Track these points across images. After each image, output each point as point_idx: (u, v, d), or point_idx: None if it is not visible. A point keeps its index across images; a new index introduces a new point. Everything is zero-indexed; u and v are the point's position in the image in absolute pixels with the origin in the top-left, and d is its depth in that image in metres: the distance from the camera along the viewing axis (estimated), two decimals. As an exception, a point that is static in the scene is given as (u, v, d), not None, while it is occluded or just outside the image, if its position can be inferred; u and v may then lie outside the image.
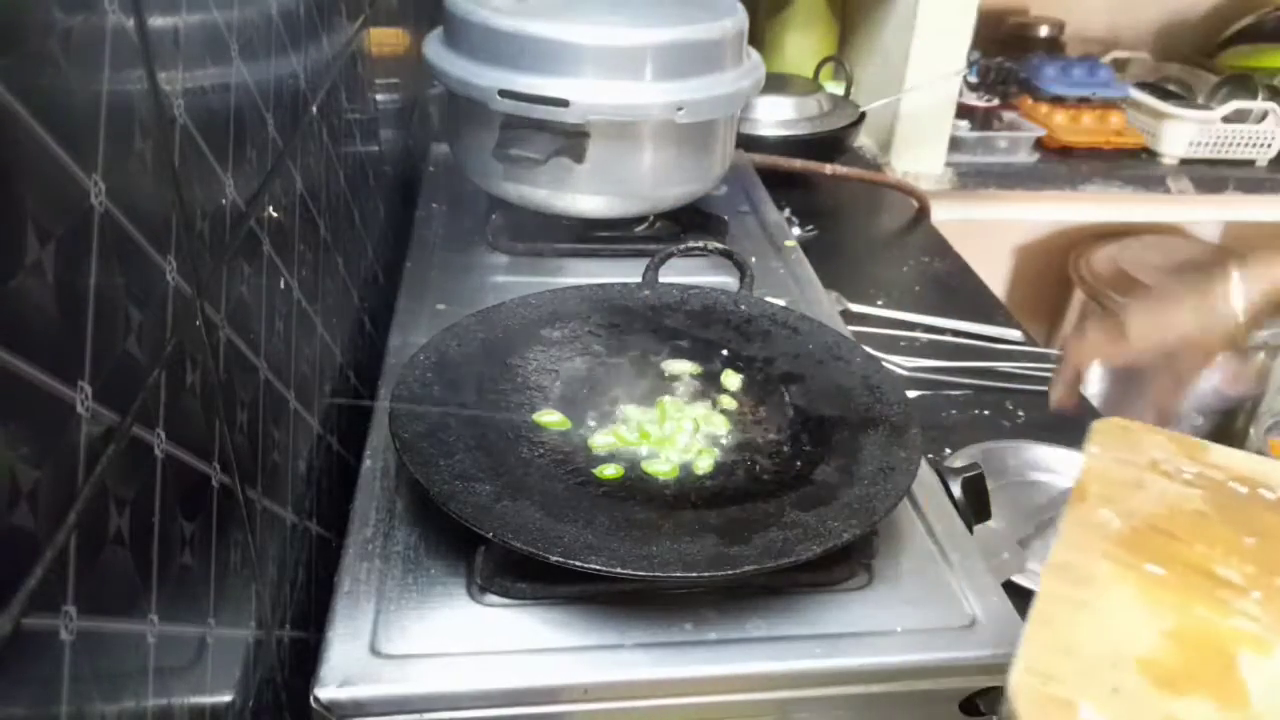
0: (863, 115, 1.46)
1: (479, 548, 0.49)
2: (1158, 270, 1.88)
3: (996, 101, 1.72)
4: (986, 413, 0.94)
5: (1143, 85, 1.77)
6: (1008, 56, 1.77)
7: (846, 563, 0.50)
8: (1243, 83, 1.72)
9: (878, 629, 0.48)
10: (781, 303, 0.72)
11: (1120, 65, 1.91)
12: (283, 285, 0.52)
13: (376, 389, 0.63)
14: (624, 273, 0.75)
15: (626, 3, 0.81)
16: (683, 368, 0.64)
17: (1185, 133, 1.68)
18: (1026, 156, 1.68)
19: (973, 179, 1.64)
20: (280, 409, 0.51)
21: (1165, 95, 1.72)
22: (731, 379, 0.63)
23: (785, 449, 0.57)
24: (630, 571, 0.44)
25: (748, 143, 1.28)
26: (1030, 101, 1.74)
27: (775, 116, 1.39)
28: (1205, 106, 1.70)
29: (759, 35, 1.69)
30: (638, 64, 0.76)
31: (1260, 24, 1.87)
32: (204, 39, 0.41)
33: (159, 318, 0.35)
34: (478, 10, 0.77)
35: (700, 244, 0.75)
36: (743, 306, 0.69)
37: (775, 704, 0.46)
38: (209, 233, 0.40)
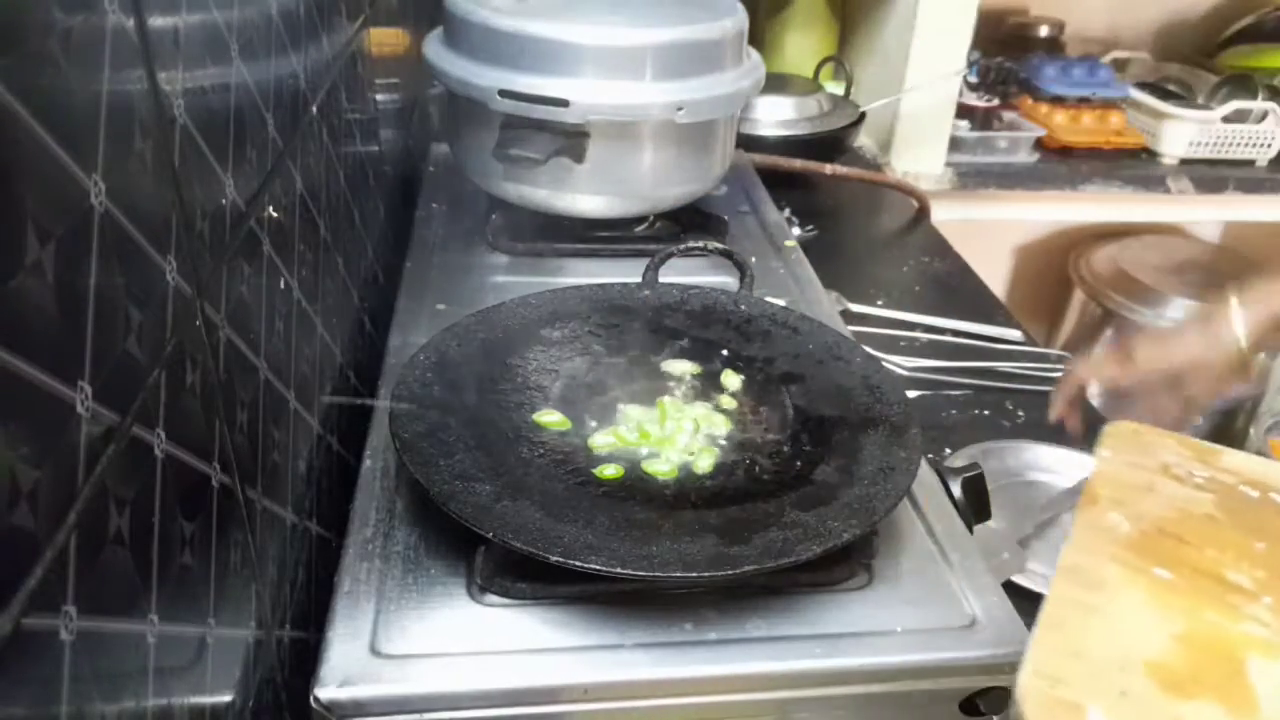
0: (863, 115, 1.46)
1: (479, 548, 0.49)
2: (1158, 270, 1.88)
3: (996, 101, 1.72)
4: (986, 413, 0.94)
5: (1143, 85, 1.77)
6: (1008, 56, 1.77)
7: (846, 563, 0.50)
8: (1243, 83, 1.72)
9: (878, 629, 0.48)
10: (781, 303, 0.72)
11: (1120, 65, 1.91)
12: (283, 285, 0.52)
13: (376, 389, 0.63)
14: (624, 273, 0.75)
15: (626, 3, 0.81)
16: (683, 368, 0.64)
17: (1185, 133, 1.68)
18: (1026, 156, 1.68)
19: (973, 179, 1.64)
20: (280, 409, 0.51)
21: (1165, 95, 1.72)
22: (731, 379, 0.63)
23: (785, 449, 0.57)
24: (630, 571, 0.44)
25: (748, 143, 1.28)
26: (1030, 101, 1.74)
27: (775, 116, 1.39)
28: (1205, 106, 1.70)
29: (759, 35, 1.69)
30: (638, 64, 0.76)
31: (1260, 24, 1.87)
32: (204, 39, 0.41)
33: (159, 318, 0.35)
34: (478, 10, 0.77)
35: (700, 244, 0.75)
36: (743, 306, 0.69)
37: (775, 704, 0.46)
38: (209, 233, 0.40)
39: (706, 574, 0.45)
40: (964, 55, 1.51)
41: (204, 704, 0.38)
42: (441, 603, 0.48)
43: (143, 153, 0.34)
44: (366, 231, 0.77)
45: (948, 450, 0.86)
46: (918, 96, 1.53)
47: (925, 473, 0.59)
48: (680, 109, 0.76)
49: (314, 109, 0.59)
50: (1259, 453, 1.03)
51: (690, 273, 0.78)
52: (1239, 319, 0.72)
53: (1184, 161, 1.70)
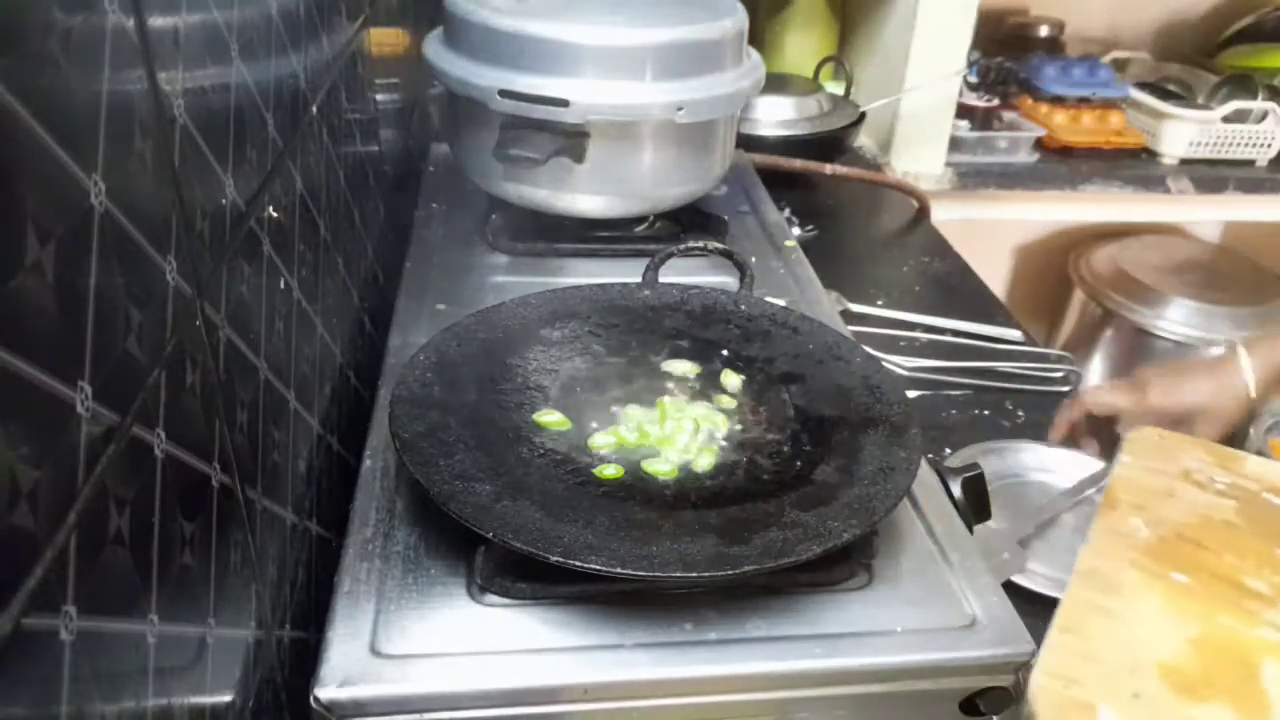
0: (863, 115, 1.46)
1: (479, 548, 0.49)
2: (1158, 270, 1.88)
3: (996, 101, 1.72)
4: (986, 413, 0.94)
5: (1143, 85, 1.77)
6: (1008, 56, 1.77)
7: (846, 563, 0.50)
8: (1243, 83, 1.72)
9: (878, 629, 0.48)
10: (781, 303, 0.72)
11: (1120, 65, 1.91)
12: (283, 285, 0.52)
13: (376, 389, 0.63)
14: (624, 273, 0.75)
15: (626, 3, 0.81)
16: (683, 368, 0.64)
17: (1185, 133, 1.68)
18: (1026, 156, 1.68)
19: (973, 179, 1.64)
20: (280, 409, 0.51)
21: (1165, 95, 1.72)
22: (731, 379, 0.63)
23: (785, 449, 0.57)
24: (630, 571, 0.44)
25: (748, 143, 1.28)
26: (1030, 101, 1.74)
27: (775, 116, 1.39)
28: (1205, 106, 1.70)
29: (759, 35, 1.69)
30: (638, 64, 0.76)
31: (1260, 24, 1.87)
32: (204, 39, 0.41)
33: (159, 318, 0.35)
34: (478, 10, 0.77)
35: (700, 244, 0.75)
36: (743, 306, 0.69)
37: (775, 704, 0.46)
38: (209, 233, 0.40)
39: (706, 574, 0.45)
40: (964, 55, 1.51)
41: (204, 704, 0.38)
42: (441, 603, 0.48)
43: (143, 153, 0.34)
44: (366, 231, 0.77)
45: (948, 450, 0.86)
46: (918, 96, 1.53)
47: (925, 473, 0.59)
48: (680, 109, 0.76)
49: (314, 109, 0.59)
50: (1259, 453, 1.03)
51: (690, 273, 0.78)
52: (1248, 368, 0.75)
53: (1184, 161, 1.70)
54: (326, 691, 0.42)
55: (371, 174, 0.79)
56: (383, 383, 0.63)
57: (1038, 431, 0.91)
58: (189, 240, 0.38)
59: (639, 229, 0.89)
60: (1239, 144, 1.69)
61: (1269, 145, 1.69)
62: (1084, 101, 1.71)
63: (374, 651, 0.45)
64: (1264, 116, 1.68)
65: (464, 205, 0.90)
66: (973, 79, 1.69)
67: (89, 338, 0.29)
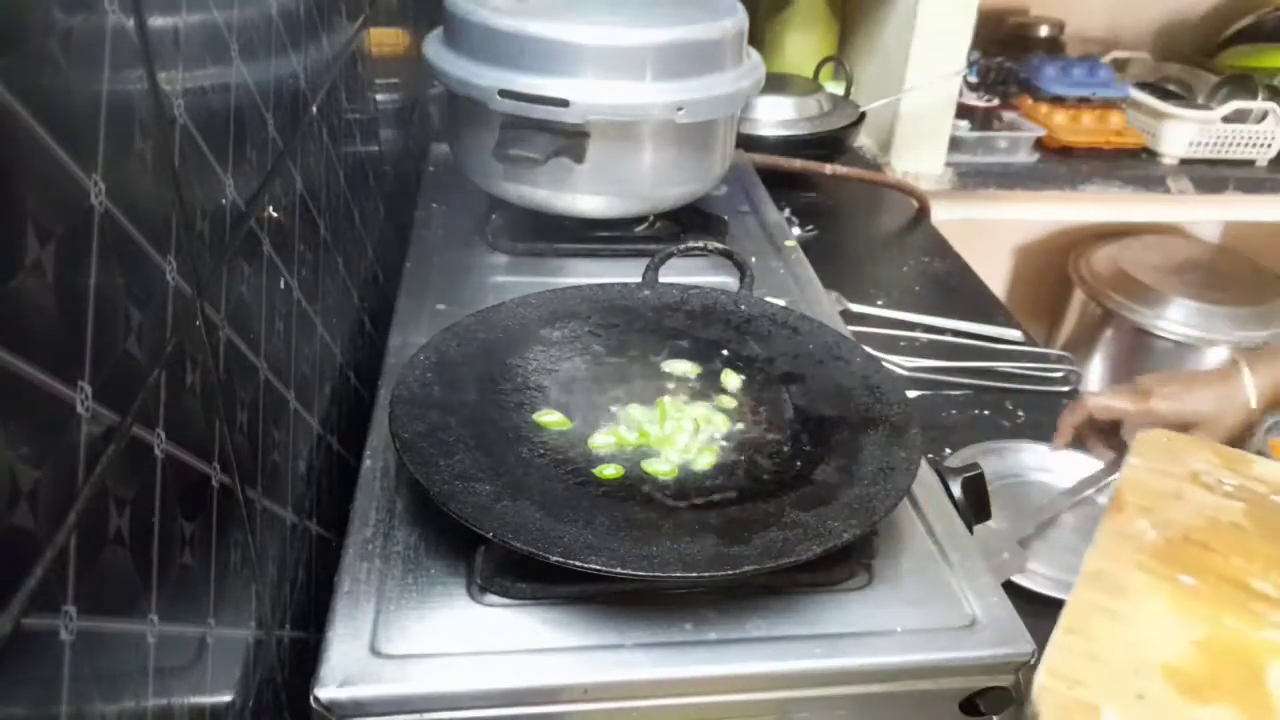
0: (863, 115, 1.46)
1: (479, 548, 0.49)
2: (1158, 270, 1.88)
3: (996, 101, 1.72)
4: (986, 413, 0.94)
5: (1143, 85, 1.77)
6: (1008, 56, 1.77)
7: (846, 563, 0.50)
8: (1243, 83, 1.72)
9: (878, 629, 0.48)
10: (781, 303, 0.72)
11: (1120, 65, 1.91)
12: (283, 285, 0.52)
13: (376, 389, 0.63)
14: (624, 273, 0.75)
15: (626, 3, 0.81)
16: (683, 368, 0.64)
17: (1185, 133, 1.68)
18: (1026, 156, 1.68)
19: (973, 179, 1.64)
20: (280, 409, 0.51)
21: (1165, 95, 1.72)
22: (731, 379, 0.63)
23: (785, 449, 0.57)
24: (630, 571, 0.44)
25: (748, 143, 1.28)
26: (1030, 101, 1.74)
27: (775, 116, 1.39)
28: (1205, 106, 1.70)
29: (759, 35, 1.70)
30: (638, 64, 0.75)
31: (1260, 24, 1.87)
32: (204, 39, 0.41)
33: (159, 318, 0.35)
34: (478, 10, 0.77)
35: (700, 244, 0.75)
36: (743, 306, 0.69)
37: (775, 704, 0.46)
38: (209, 233, 0.40)
39: (706, 574, 0.45)
40: (964, 55, 1.51)
41: (204, 704, 0.38)
42: (441, 603, 0.48)
43: (143, 153, 0.34)
44: (366, 231, 0.77)
45: (948, 450, 0.86)
46: (918, 96, 1.53)
47: (925, 473, 0.59)
48: (680, 109, 0.76)
49: (314, 109, 0.59)
50: (1259, 453, 1.03)
51: (690, 273, 0.78)
52: (1250, 382, 0.76)
53: (1184, 161, 1.70)
54: (326, 691, 0.42)
55: (371, 174, 0.79)
56: (383, 383, 0.63)
57: (1038, 431, 0.91)
58: (189, 240, 0.38)
59: (639, 229, 0.89)
60: (1239, 144, 1.69)
61: (1269, 145, 1.69)
62: (1084, 101, 1.71)
63: (374, 651, 0.45)
64: (1264, 116, 1.68)
65: (464, 205, 0.90)
66: (973, 79, 1.69)
67: (89, 338, 0.29)
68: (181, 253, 0.37)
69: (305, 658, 0.53)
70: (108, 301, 0.30)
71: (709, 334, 0.67)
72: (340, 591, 0.48)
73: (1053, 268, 2.09)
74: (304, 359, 0.56)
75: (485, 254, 0.83)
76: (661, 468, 0.54)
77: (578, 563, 0.44)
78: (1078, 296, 1.95)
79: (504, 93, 0.75)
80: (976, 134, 1.67)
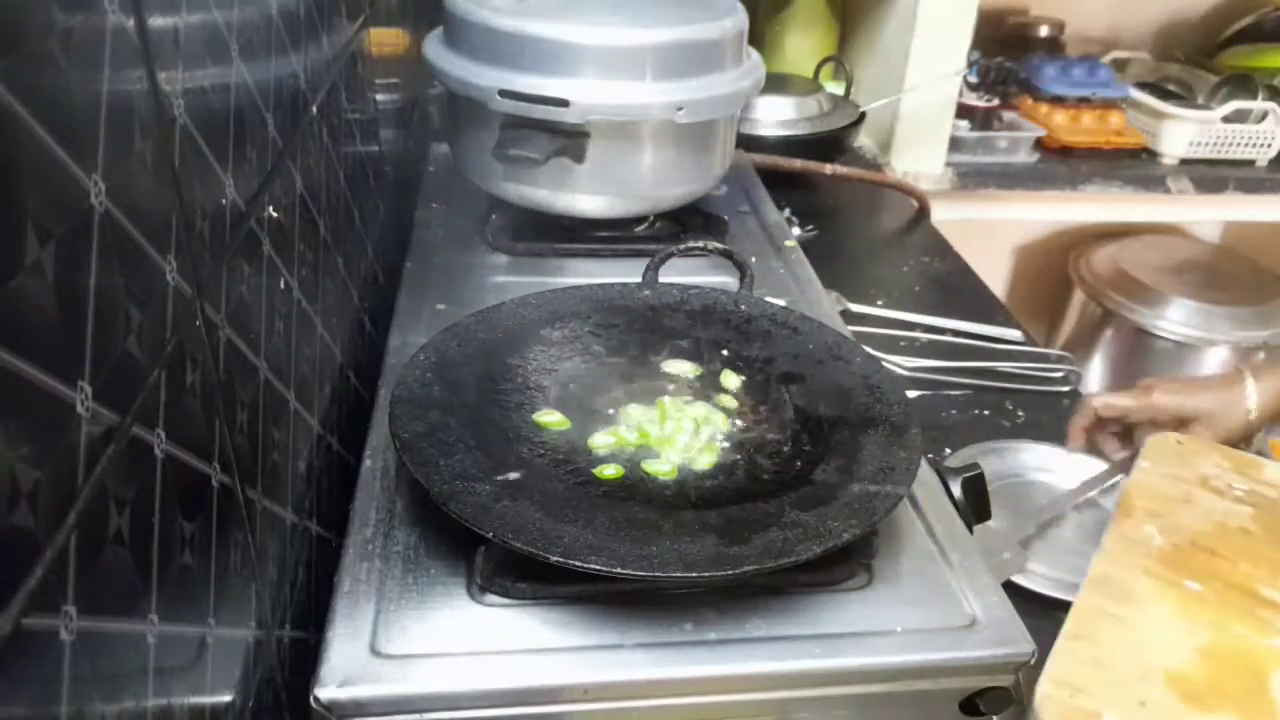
0: (863, 115, 1.46)
1: (479, 548, 0.49)
2: (1158, 270, 1.88)
3: (996, 101, 1.72)
4: (986, 413, 0.94)
5: (1143, 85, 1.77)
6: (1008, 56, 1.77)
7: (846, 563, 0.50)
8: (1243, 83, 1.72)
9: (878, 629, 0.48)
10: (781, 303, 0.72)
11: (1120, 65, 1.91)
12: (283, 285, 0.52)
13: (376, 389, 0.63)
14: (624, 273, 0.75)
15: (626, 3, 0.81)
16: (683, 368, 0.64)
17: (1185, 133, 1.68)
18: (1026, 156, 1.68)
19: (973, 179, 1.64)
20: (280, 409, 0.51)
21: (1165, 95, 1.72)
22: (731, 379, 0.63)
23: (785, 449, 0.57)
24: (630, 571, 0.44)
25: (748, 143, 1.28)
26: (1030, 101, 1.74)
27: (775, 116, 1.39)
28: (1205, 106, 1.70)
29: (759, 35, 1.69)
30: (638, 64, 0.75)
31: (1260, 24, 1.87)
32: (204, 39, 0.41)
33: (159, 318, 0.35)
34: (478, 10, 0.77)
35: (700, 244, 0.75)
36: (743, 306, 0.69)
37: (775, 704, 0.46)
38: (209, 233, 0.40)
39: (706, 574, 0.45)
40: (964, 55, 1.51)
41: (204, 704, 0.38)
42: (441, 603, 0.48)
43: (143, 153, 0.34)
44: (366, 231, 0.77)
45: (948, 450, 0.86)
46: (918, 96, 1.53)
47: (925, 473, 0.59)
48: (680, 109, 0.76)
49: (314, 109, 0.59)
50: (1259, 454, 1.03)
51: (690, 273, 0.78)
52: (1252, 392, 0.77)
53: (1184, 161, 1.70)
54: (326, 691, 0.42)
55: (371, 174, 0.79)
56: (383, 383, 0.63)
57: (1038, 431, 0.91)
58: (189, 240, 0.38)
59: (639, 229, 0.89)
60: (1239, 144, 1.69)
61: (1269, 145, 1.69)
62: (1084, 101, 1.71)
63: (374, 651, 0.45)
64: (1264, 116, 1.68)
65: (464, 205, 0.90)
66: (973, 79, 1.69)
67: (89, 338, 0.29)
68: (181, 253, 0.37)
69: (305, 658, 0.53)
70: (108, 301, 0.30)
71: (709, 334, 0.67)
72: (340, 591, 0.48)
73: (1053, 268, 2.09)
74: (304, 359, 0.56)
75: (485, 254, 0.83)
76: (661, 468, 0.54)
77: (578, 563, 0.44)
78: (1078, 296, 1.95)
79: (504, 93, 0.75)
80: (976, 134, 1.67)
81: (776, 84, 1.41)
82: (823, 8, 1.69)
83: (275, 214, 0.50)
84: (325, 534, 0.59)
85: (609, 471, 0.53)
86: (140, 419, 0.32)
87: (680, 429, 0.57)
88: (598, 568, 0.44)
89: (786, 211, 1.24)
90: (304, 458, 0.55)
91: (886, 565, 0.52)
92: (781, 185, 1.19)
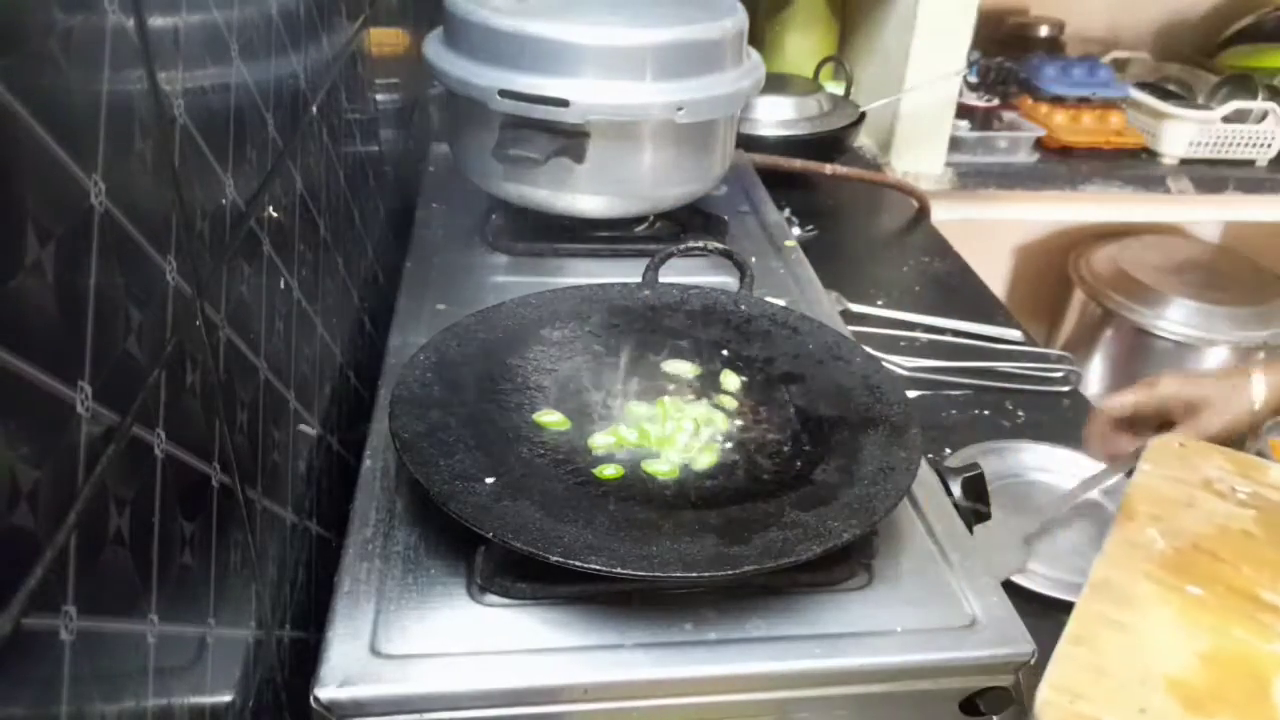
0: (863, 115, 1.46)
1: (479, 548, 0.49)
2: (1158, 270, 1.88)
3: (996, 101, 1.72)
4: (986, 413, 0.94)
5: (1143, 85, 1.77)
6: (1008, 56, 1.77)
7: (846, 563, 0.50)
8: (1243, 83, 1.72)
9: (878, 629, 0.48)
10: (781, 303, 0.72)
11: (1120, 65, 1.91)
12: (283, 285, 0.52)
13: (376, 389, 0.63)
14: (624, 273, 0.75)
15: (626, 3, 0.81)
16: (683, 368, 0.64)
17: (1185, 133, 1.68)
18: (1026, 156, 1.68)
19: (973, 179, 1.64)
20: (280, 409, 0.51)
21: (1165, 95, 1.72)
22: (731, 379, 0.63)
23: (785, 449, 0.57)
24: (630, 571, 0.44)
25: (748, 143, 1.28)
26: (1030, 101, 1.74)
27: (775, 116, 1.39)
28: (1205, 106, 1.70)
29: (759, 35, 1.69)
30: (638, 64, 0.75)
31: (1260, 24, 1.87)
32: (204, 39, 0.41)
33: (159, 318, 0.35)
34: (478, 10, 0.77)
35: (700, 244, 0.75)
36: (743, 306, 0.69)
37: (775, 704, 0.46)
38: (209, 233, 0.40)
39: (706, 574, 0.45)
40: (964, 55, 1.51)
41: (204, 704, 0.38)
42: (441, 603, 0.48)
43: (143, 153, 0.34)
44: (366, 231, 0.77)
45: (948, 450, 0.86)
46: (918, 96, 1.52)
47: (925, 473, 0.59)
48: (680, 109, 0.76)
49: (314, 109, 0.59)
50: (1259, 454, 1.03)
51: (690, 273, 0.78)
52: (1259, 387, 0.78)
53: (1184, 161, 1.70)
54: (326, 691, 0.42)
55: (371, 174, 0.79)
56: (383, 383, 0.63)
57: (1038, 431, 0.91)
58: (189, 240, 0.38)
59: (639, 229, 0.89)
60: (1239, 144, 1.69)
61: (1269, 145, 1.69)
62: (1084, 101, 1.71)
63: (374, 651, 0.45)
64: (1264, 116, 1.68)
65: (464, 205, 0.90)
66: (973, 79, 1.69)
67: (89, 338, 0.29)
68: (181, 253, 0.37)
69: (305, 658, 0.53)
70: (108, 301, 0.30)
71: (709, 334, 0.67)
72: (340, 591, 0.48)
73: (1053, 268, 2.09)
74: (304, 359, 0.56)
75: (485, 254, 0.83)
76: (661, 468, 0.54)
77: (578, 563, 0.44)
78: (1078, 296, 1.95)
79: (504, 93, 0.75)
80: (976, 134, 1.67)
81: (776, 84, 1.41)
82: (823, 8, 1.69)
83: (275, 214, 0.50)
84: (325, 534, 0.59)
85: (609, 471, 0.53)
86: (140, 419, 0.32)
87: (680, 429, 0.57)
88: (598, 568, 0.44)
89: (786, 211, 1.24)
90: (304, 458, 0.55)
91: (886, 565, 0.52)
92: (781, 185, 1.19)
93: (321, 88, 0.61)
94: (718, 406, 0.60)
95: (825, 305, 0.79)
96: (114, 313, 0.31)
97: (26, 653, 0.25)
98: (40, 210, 0.26)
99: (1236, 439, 0.79)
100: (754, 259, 0.78)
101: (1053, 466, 0.86)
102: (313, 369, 0.58)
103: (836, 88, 1.53)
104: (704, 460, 0.55)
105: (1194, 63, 1.93)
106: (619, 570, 0.44)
